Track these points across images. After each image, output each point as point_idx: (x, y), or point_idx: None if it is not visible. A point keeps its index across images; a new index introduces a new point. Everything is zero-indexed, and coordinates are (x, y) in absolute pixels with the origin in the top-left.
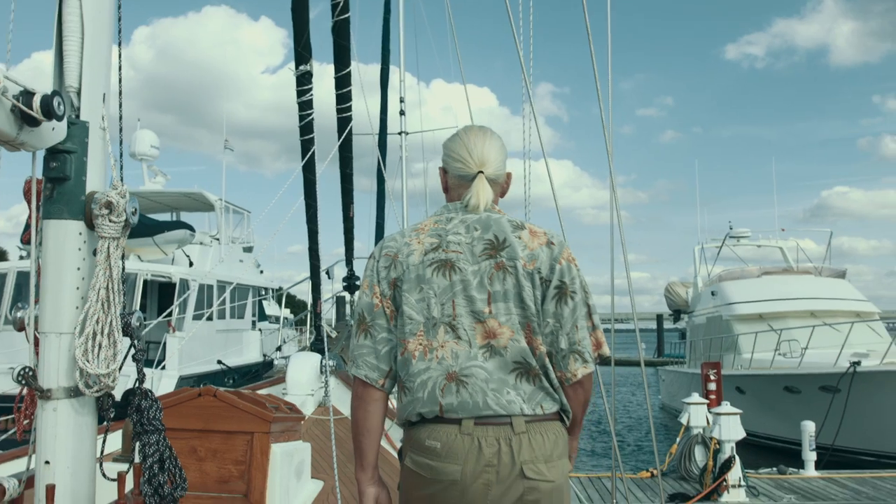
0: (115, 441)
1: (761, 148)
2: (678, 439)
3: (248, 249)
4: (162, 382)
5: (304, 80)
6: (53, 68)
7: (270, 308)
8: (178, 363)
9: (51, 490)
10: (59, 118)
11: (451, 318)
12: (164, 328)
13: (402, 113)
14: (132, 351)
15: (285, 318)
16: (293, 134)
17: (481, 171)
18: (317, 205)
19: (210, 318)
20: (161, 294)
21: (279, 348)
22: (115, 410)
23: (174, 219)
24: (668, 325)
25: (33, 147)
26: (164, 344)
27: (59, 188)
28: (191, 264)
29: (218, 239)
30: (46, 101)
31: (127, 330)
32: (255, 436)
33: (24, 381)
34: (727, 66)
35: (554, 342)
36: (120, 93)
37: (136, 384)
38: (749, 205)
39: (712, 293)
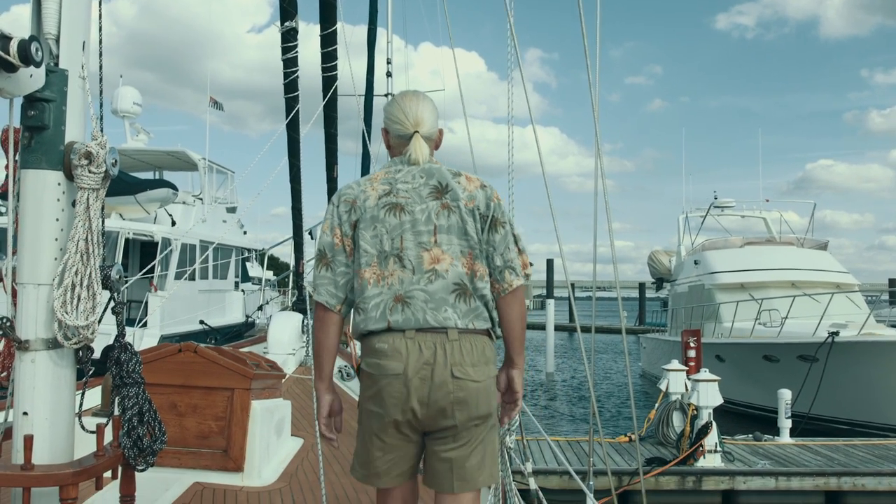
0: (94, 398)
1: (748, 119)
2: (657, 405)
3: (232, 210)
4: (143, 341)
5: (289, 37)
6: (31, 14)
7: (254, 270)
8: (159, 322)
9: (29, 441)
10: (37, 64)
11: (399, 250)
12: (146, 287)
13: (388, 75)
14: (112, 304)
15: (268, 280)
16: (278, 94)
17: (417, 131)
18: (300, 164)
19: (192, 278)
20: (143, 253)
21: (261, 308)
22: (93, 367)
23: (157, 177)
24: (650, 293)
25: (10, 94)
26: (146, 303)
27: (38, 137)
28: (173, 223)
29: (201, 199)
30: (24, 46)
31: (107, 283)
32: (235, 392)
33: (1, 333)
34: (717, 36)
35: (491, 263)
36: (100, 41)
37: (116, 337)
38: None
39: (695, 262)
